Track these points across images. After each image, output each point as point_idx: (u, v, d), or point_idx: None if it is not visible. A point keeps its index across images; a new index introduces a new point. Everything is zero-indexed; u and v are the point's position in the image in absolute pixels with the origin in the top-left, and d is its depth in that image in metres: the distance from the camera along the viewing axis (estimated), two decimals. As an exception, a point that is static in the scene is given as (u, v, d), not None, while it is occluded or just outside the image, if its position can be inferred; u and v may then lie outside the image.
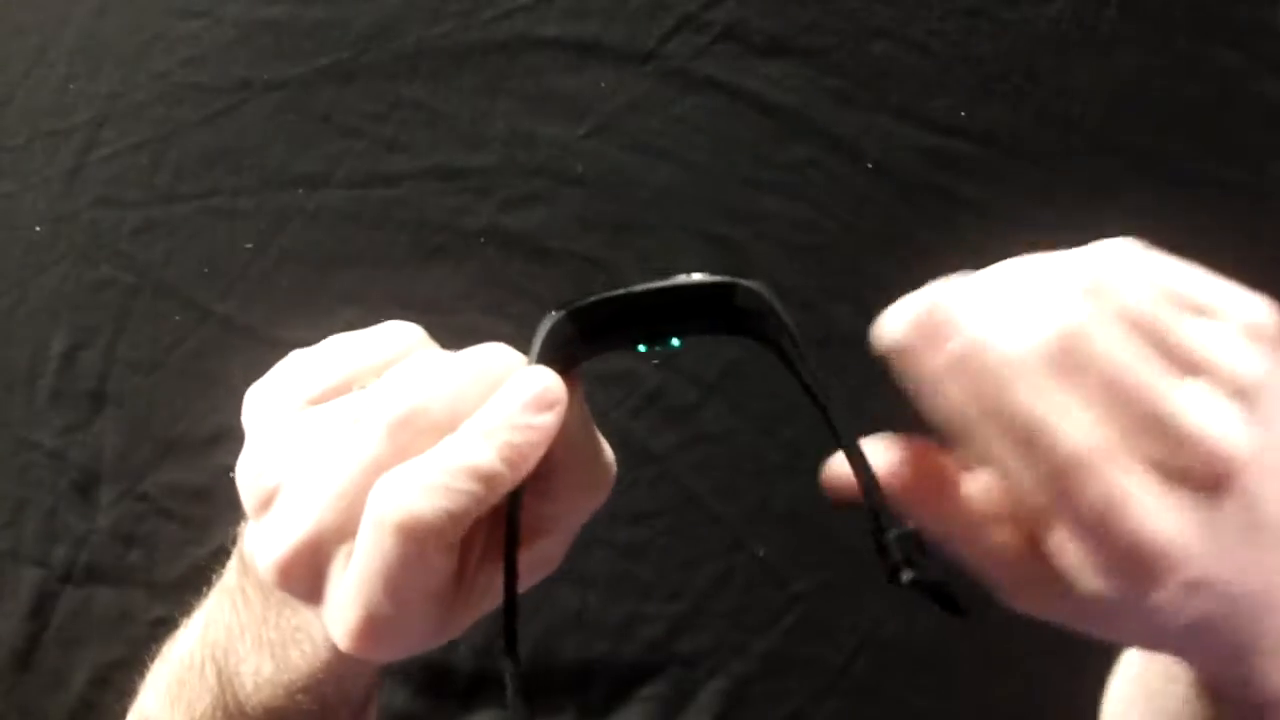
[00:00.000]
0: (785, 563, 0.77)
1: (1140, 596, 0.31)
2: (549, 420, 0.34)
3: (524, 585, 0.36)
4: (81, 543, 0.79)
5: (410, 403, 0.34)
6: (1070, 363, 0.31)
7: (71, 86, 0.82)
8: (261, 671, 0.42)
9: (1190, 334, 0.32)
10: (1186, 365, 0.31)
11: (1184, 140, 0.79)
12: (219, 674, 0.44)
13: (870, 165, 0.79)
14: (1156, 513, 0.30)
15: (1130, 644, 0.37)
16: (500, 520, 0.35)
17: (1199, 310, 0.33)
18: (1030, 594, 0.33)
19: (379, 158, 0.80)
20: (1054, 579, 0.32)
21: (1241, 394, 0.31)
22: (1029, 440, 0.31)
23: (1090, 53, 0.79)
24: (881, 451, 0.34)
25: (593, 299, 0.36)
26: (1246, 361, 0.32)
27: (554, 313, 0.36)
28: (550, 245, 0.79)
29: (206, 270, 0.80)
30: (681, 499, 0.77)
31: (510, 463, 0.33)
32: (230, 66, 0.81)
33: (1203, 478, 0.31)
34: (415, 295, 0.79)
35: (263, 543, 0.35)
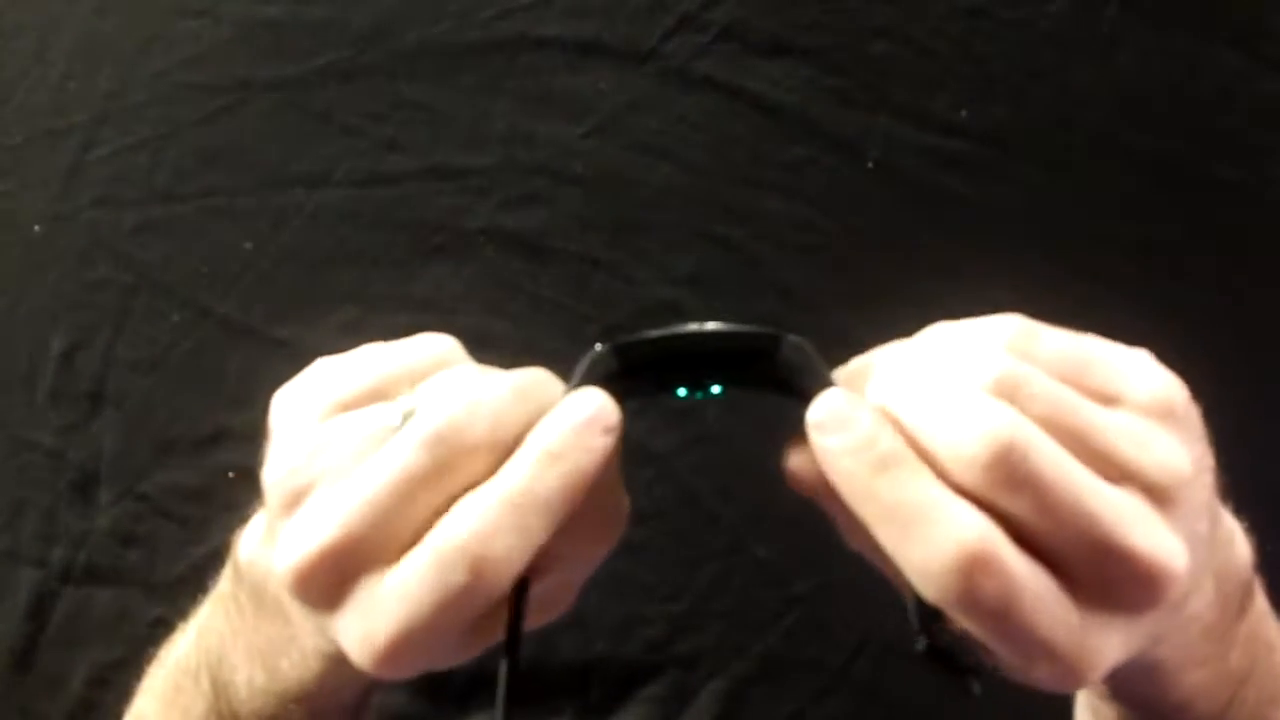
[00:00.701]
0: (785, 563, 0.77)
1: (1051, 683, 0.32)
2: (606, 444, 0.34)
3: (533, 624, 0.36)
4: (80, 543, 0.79)
5: (450, 417, 0.33)
6: (1005, 475, 0.30)
7: (70, 86, 0.82)
8: (254, 681, 0.42)
9: (1110, 432, 0.31)
10: (1112, 471, 0.31)
11: (1184, 140, 0.79)
12: (213, 681, 0.43)
13: (870, 165, 0.79)
14: (1086, 634, 0.31)
15: None
16: None
17: (1105, 397, 0.32)
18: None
19: (379, 158, 0.80)
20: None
21: (1163, 497, 0.31)
22: (928, 528, 0.31)
23: (1090, 53, 0.79)
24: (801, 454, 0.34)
25: (638, 337, 0.36)
26: (1167, 459, 0.32)
27: (599, 346, 0.35)
28: (550, 245, 0.79)
29: (206, 270, 0.80)
30: (681, 499, 0.77)
31: (570, 489, 0.33)
32: (229, 66, 0.81)
33: (1136, 600, 0.31)
34: (415, 295, 0.79)
35: (284, 545, 0.34)
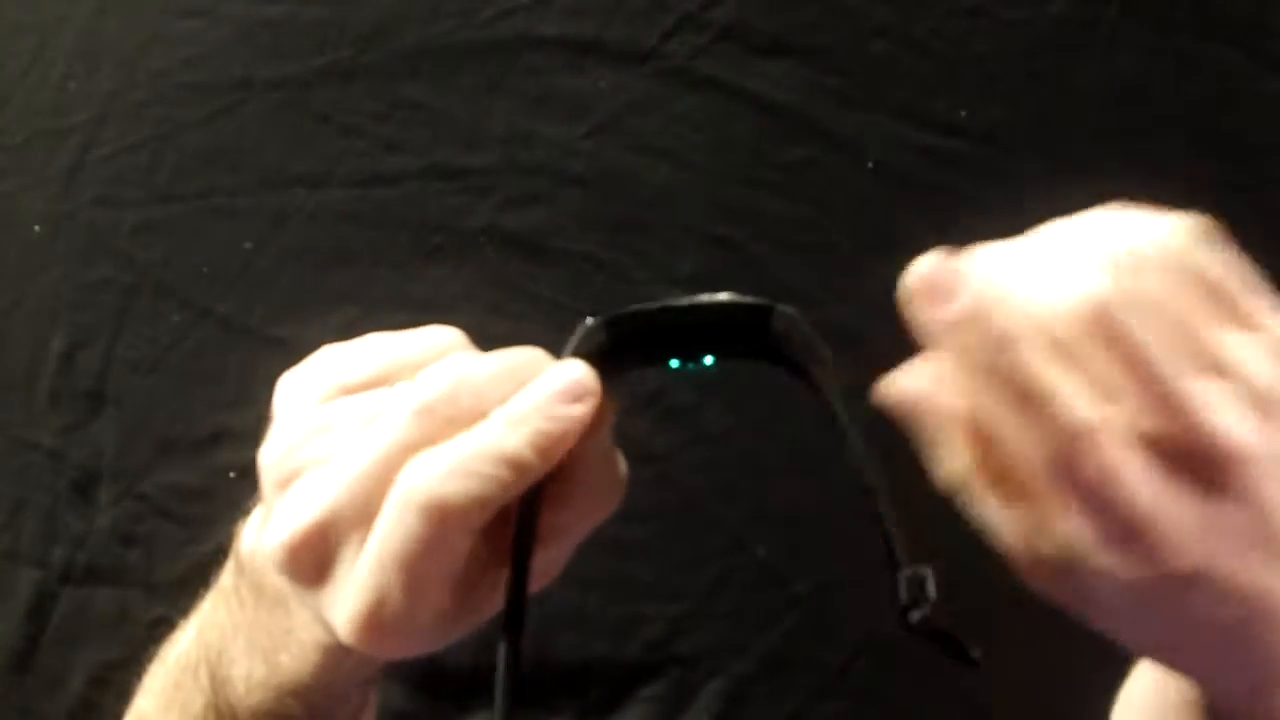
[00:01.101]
0: (785, 563, 0.77)
1: (1138, 578, 0.31)
2: (581, 411, 0.34)
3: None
4: (80, 543, 0.79)
5: (437, 391, 0.34)
6: (1093, 333, 0.31)
7: (70, 86, 0.82)
8: (253, 675, 0.42)
9: (1220, 337, 0.31)
10: (1210, 365, 0.31)
11: (1184, 140, 0.79)
12: (212, 677, 0.44)
13: (870, 165, 0.79)
14: (1154, 494, 0.30)
15: (1141, 648, 0.36)
16: (507, 524, 0.35)
17: (1236, 317, 0.32)
18: (1035, 569, 0.33)
19: (379, 157, 0.80)
20: (1055, 551, 0.32)
21: (1260, 402, 0.31)
22: (1034, 404, 0.31)
23: (1090, 53, 0.79)
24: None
25: (630, 310, 0.36)
26: (1271, 375, 0.31)
27: (589, 320, 0.36)
28: (550, 245, 0.79)
29: (206, 270, 0.80)
30: (681, 499, 0.77)
31: (540, 450, 0.33)
32: (229, 66, 0.81)
33: (1206, 467, 0.31)
34: (415, 295, 0.79)
35: (274, 522, 0.35)
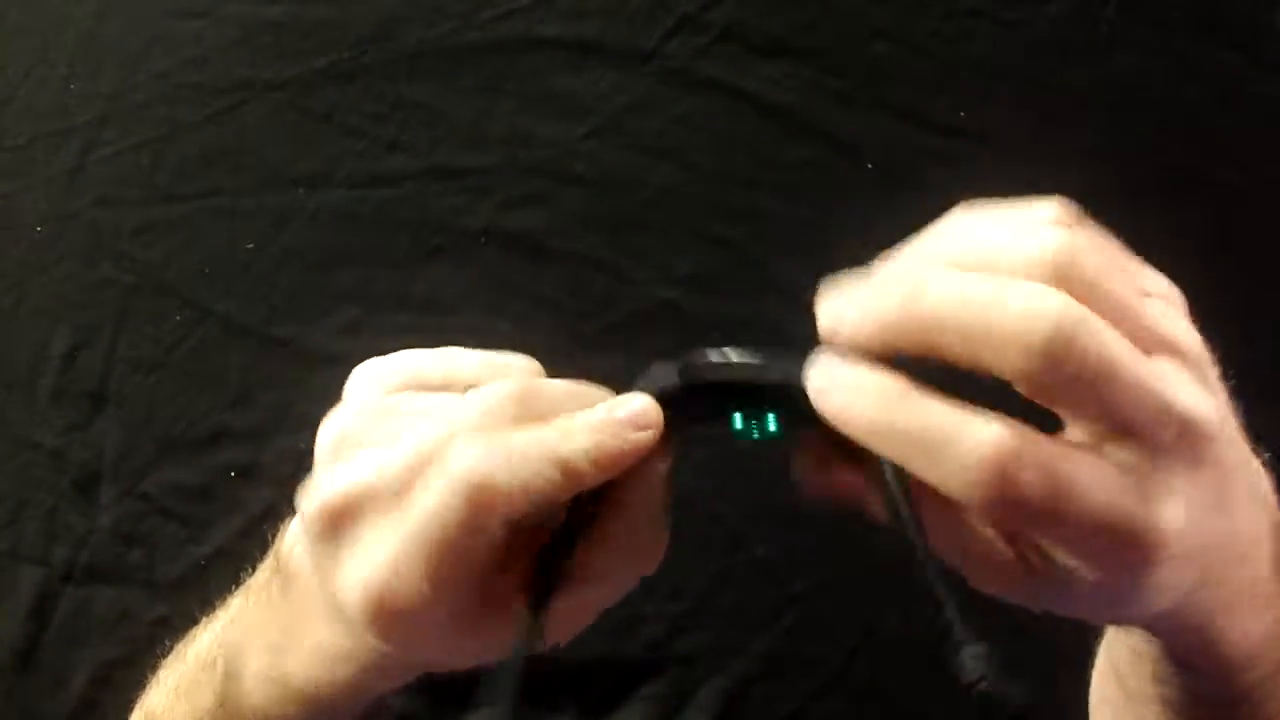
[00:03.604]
0: (785, 562, 0.77)
1: (1134, 580, 0.31)
2: (640, 438, 0.34)
3: (553, 638, 0.37)
4: (82, 542, 0.79)
5: (505, 393, 0.34)
6: (1065, 355, 0.30)
7: (72, 87, 0.82)
8: (262, 674, 0.42)
9: (1152, 314, 0.32)
10: (1154, 344, 0.32)
11: (1184, 140, 0.79)
12: (225, 673, 0.43)
13: (870, 165, 0.79)
14: (1144, 495, 0.31)
15: (1111, 621, 0.37)
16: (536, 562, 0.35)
17: (1142, 289, 0.33)
18: (1014, 590, 0.34)
19: (379, 158, 0.80)
20: (1041, 578, 0.33)
21: (1197, 367, 0.32)
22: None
23: (1090, 53, 0.79)
24: None
25: (701, 362, 0.36)
26: (1192, 333, 0.33)
27: (659, 362, 0.36)
28: (550, 245, 0.79)
29: (206, 270, 0.80)
30: (682, 499, 0.77)
31: (594, 462, 0.34)
32: (230, 66, 0.81)
33: (1188, 450, 0.31)
34: (415, 295, 0.79)
35: (314, 487, 0.35)
